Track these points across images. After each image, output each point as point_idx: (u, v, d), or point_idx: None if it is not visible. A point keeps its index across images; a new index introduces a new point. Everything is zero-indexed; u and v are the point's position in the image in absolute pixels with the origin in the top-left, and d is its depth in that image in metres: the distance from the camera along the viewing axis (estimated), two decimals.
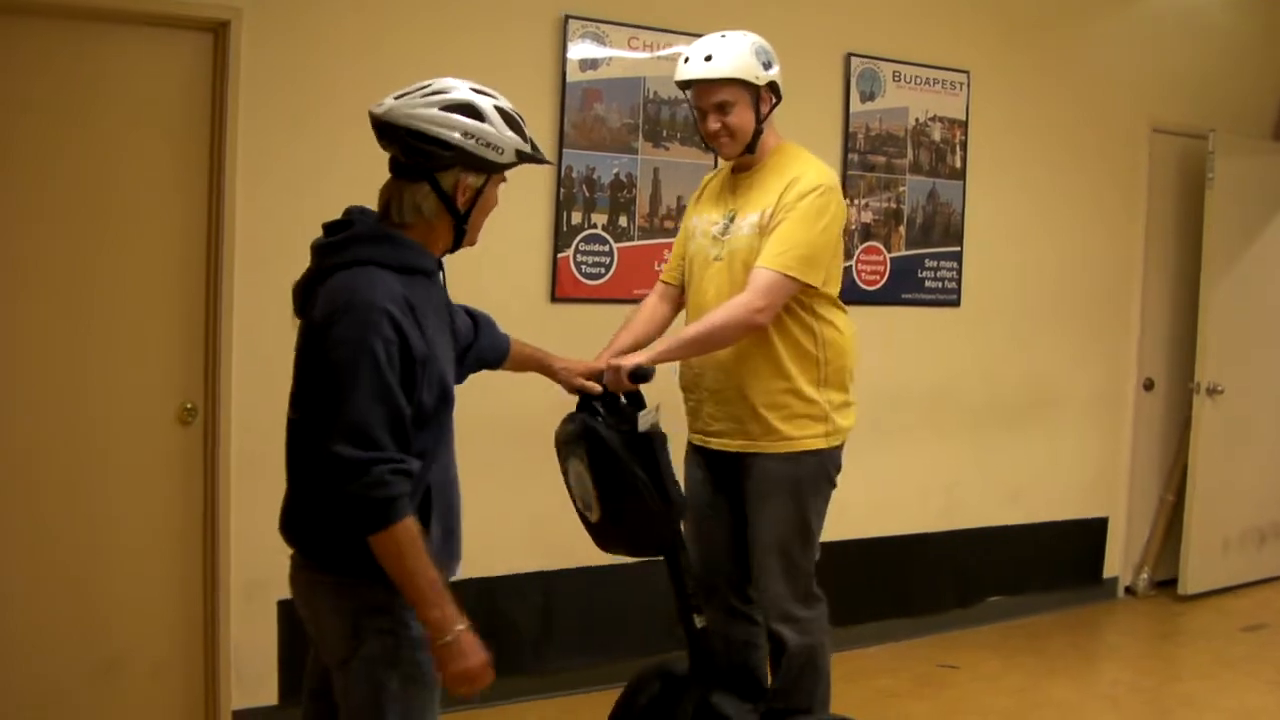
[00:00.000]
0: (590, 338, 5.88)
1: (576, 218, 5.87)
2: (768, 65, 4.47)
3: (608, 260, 5.95)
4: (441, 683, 3.16)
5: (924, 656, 6.90)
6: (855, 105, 6.71)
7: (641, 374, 4.23)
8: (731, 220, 4.54)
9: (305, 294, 3.20)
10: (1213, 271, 8.17)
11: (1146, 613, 8.18)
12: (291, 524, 3.29)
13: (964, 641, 7.24)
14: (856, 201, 6.75)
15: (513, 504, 5.80)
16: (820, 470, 4.62)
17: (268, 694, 5.34)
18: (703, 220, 4.65)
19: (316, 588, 3.26)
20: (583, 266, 5.89)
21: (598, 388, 4.24)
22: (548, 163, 3.52)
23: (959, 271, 7.21)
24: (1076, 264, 7.83)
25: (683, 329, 4.50)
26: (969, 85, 7.15)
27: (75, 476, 5.03)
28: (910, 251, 6.93)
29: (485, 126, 3.17)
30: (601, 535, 4.36)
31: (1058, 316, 7.77)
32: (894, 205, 6.91)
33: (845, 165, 6.69)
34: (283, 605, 5.32)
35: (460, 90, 3.18)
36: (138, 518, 5.15)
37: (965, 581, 7.49)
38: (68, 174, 4.95)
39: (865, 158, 6.77)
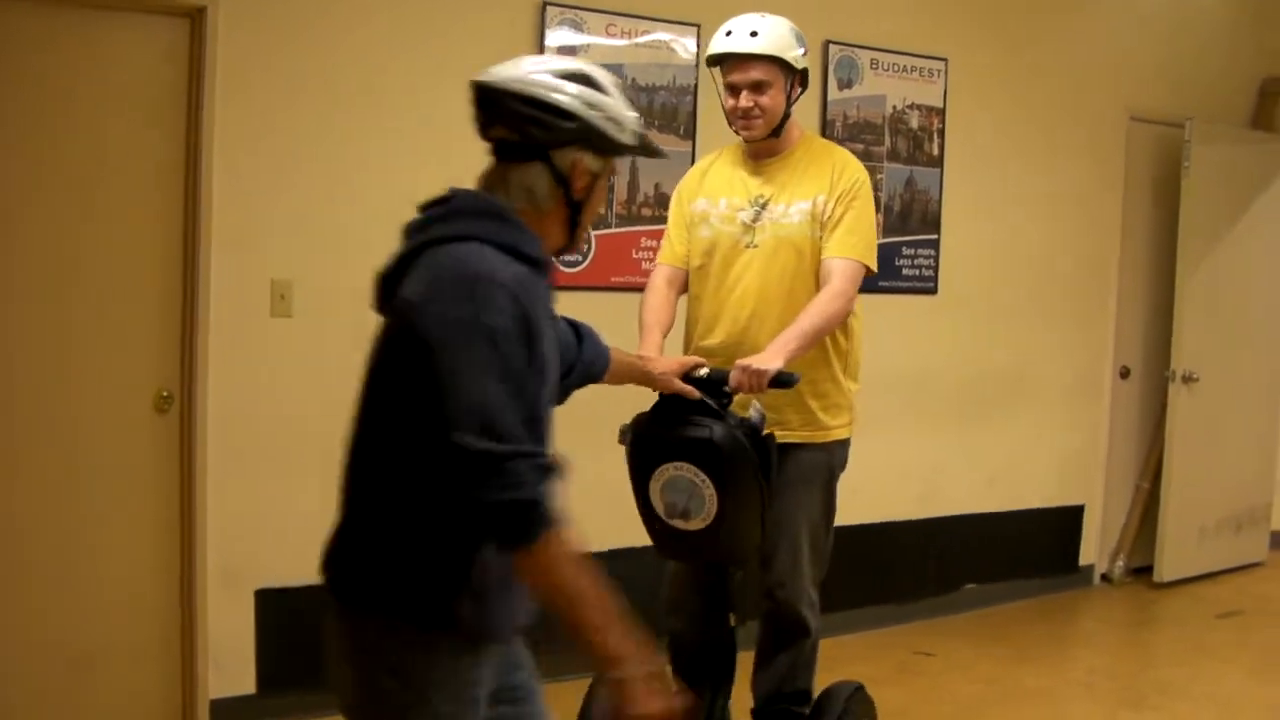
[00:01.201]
0: None
1: None
2: (804, 51, 4.47)
3: (585, 248, 5.93)
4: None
5: (900, 644, 6.91)
6: (833, 93, 6.71)
7: (787, 379, 4.05)
8: (763, 207, 4.50)
9: (391, 280, 2.71)
10: (1189, 259, 8.20)
11: (1122, 600, 8.21)
12: (340, 555, 2.82)
13: (940, 629, 7.26)
14: None
15: None
16: (844, 458, 4.69)
17: (245, 683, 5.33)
18: (718, 205, 4.56)
19: (343, 629, 2.81)
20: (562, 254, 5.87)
21: (697, 392, 4.00)
22: (662, 155, 3.02)
23: (936, 259, 7.21)
24: (1053, 252, 7.84)
25: (797, 324, 4.26)
26: (946, 73, 7.15)
27: (51, 464, 5.01)
28: (887, 239, 6.92)
29: (607, 99, 2.74)
30: (691, 545, 4.13)
31: (1034, 304, 7.78)
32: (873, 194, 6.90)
33: None
34: (260, 594, 5.31)
35: (565, 61, 2.80)
36: (114, 506, 5.12)
37: (942, 569, 7.51)
38: (42, 160, 4.92)
39: (843, 144, 6.74)
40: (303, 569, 5.37)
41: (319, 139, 5.30)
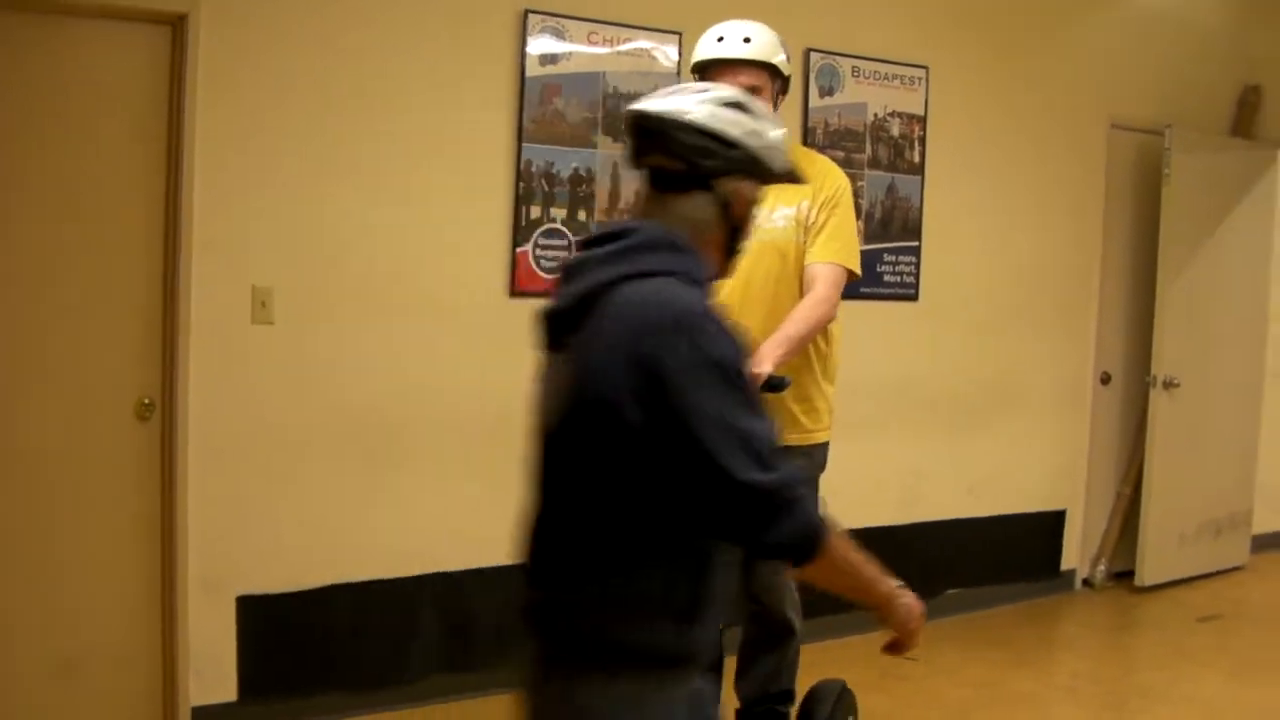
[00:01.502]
0: None
1: (535, 212, 5.86)
2: (787, 58, 4.51)
3: (566, 255, 5.94)
4: (904, 639, 2.99)
5: None
6: (814, 100, 6.72)
7: (778, 383, 4.11)
8: (771, 211, 4.55)
9: (570, 316, 2.60)
10: (1169, 266, 8.23)
11: (1104, 604, 8.23)
12: (560, 609, 2.69)
13: (925, 633, 7.21)
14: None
15: (472, 498, 5.79)
16: (824, 460, 4.75)
17: (227, 690, 5.33)
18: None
19: (578, 690, 2.65)
20: (541, 261, 5.87)
21: None
22: (802, 182, 3.06)
23: (917, 266, 7.23)
24: (1034, 259, 7.86)
25: (784, 329, 4.31)
26: (927, 80, 7.17)
27: (32, 471, 5.00)
28: (869, 246, 6.94)
29: (765, 126, 2.75)
30: None
31: (1016, 311, 7.80)
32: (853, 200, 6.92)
33: None
34: (241, 601, 5.31)
35: (722, 90, 2.78)
36: (95, 513, 5.12)
37: (925, 574, 7.49)
38: (24, 167, 4.92)
39: (824, 152, 6.76)
40: (284, 576, 5.43)
41: (300, 146, 5.30)
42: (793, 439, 4.54)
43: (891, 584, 2.82)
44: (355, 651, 5.60)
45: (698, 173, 2.67)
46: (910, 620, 2.88)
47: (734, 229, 2.74)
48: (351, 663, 5.60)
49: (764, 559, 2.67)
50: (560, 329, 2.63)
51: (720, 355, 2.44)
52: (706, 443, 2.39)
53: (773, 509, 2.43)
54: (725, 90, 2.77)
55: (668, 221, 2.66)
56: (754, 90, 4.36)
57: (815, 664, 6.51)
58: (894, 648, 3.01)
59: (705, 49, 4.45)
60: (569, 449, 2.56)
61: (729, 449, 2.39)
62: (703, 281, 2.61)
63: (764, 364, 4.09)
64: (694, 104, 2.68)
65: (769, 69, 4.42)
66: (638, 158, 2.76)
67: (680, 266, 2.58)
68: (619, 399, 2.44)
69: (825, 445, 4.74)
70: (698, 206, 2.68)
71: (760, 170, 2.73)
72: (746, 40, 4.39)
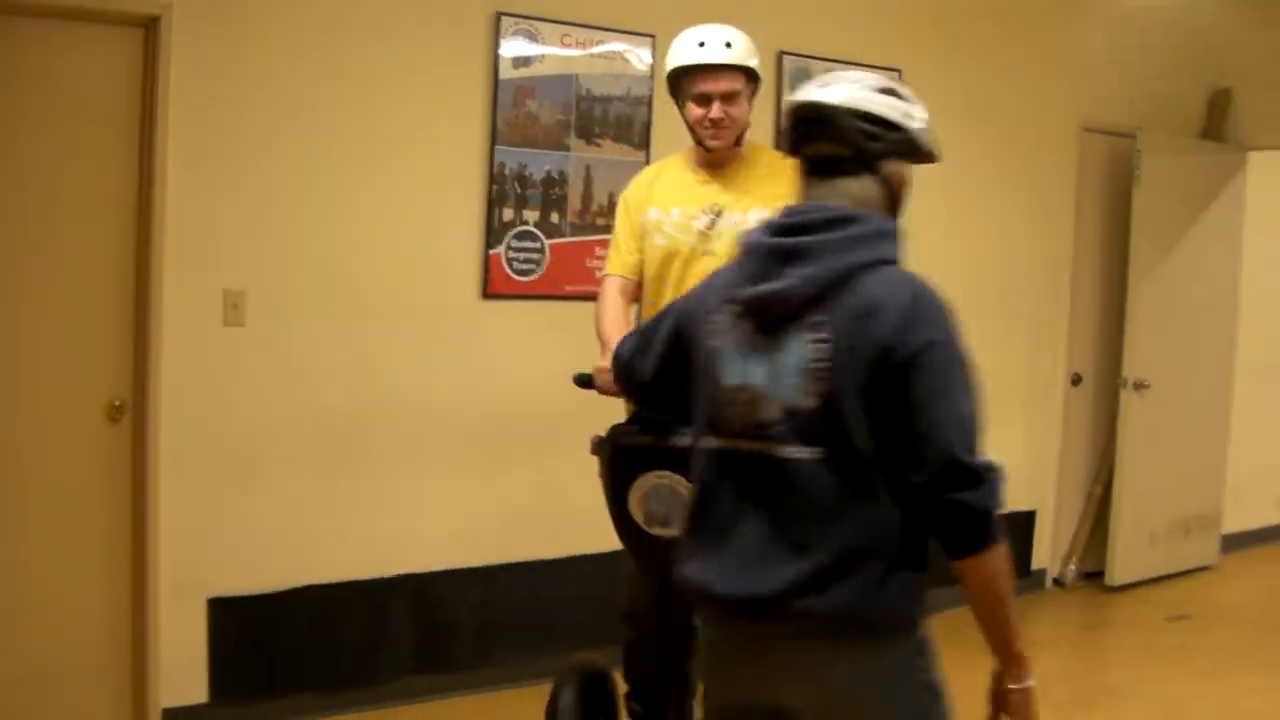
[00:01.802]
0: (522, 335, 5.91)
1: (508, 214, 5.87)
2: (759, 60, 4.53)
3: (539, 257, 5.95)
4: None
5: None
6: (787, 102, 6.73)
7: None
8: (719, 215, 4.53)
9: (809, 296, 2.73)
10: (1140, 268, 8.26)
11: (1074, 603, 8.27)
12: (811, 587, 2.69)
13: None
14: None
15: (443, 500, 5.81)
16: None
17: (198, 692, 5.32)
18: (670, 214, 4.58)
19: (870, 664, 2.76)
20: (514, 263, 5.88)
21: None
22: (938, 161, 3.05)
23: None
24: (1006, 260, 7.90)
25: None
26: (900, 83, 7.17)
27: (1, 472, 4.99)
28: None
29: (918, 110, 2.90)
30: (665, 552, 3.98)
31: (987, 312, 7.81)
32: None
33: None
34: (212, 603, 5.31)
35: (876, 77, 2.92)
36: (66, 515, 5.11)
37: None
38: None
39: None
40: (255, 577, 5.43)
41: (274, 149, 5.30)
42: None
43: (1027, 661, 2.85)
44: (327, 653, 5.60)
45: (863, 156, 2.82)
46: (1027, 708, 2.88)
47: (893, 207, 2.88)
48: (323, 664, 5.60)
49: (947, 536, 2.66)
50: (793, 307, 2.75)
51: (958, 342, 2.72)
52: (943, 421, 2.64)
53: (969, 485, 2.63)
54: (879, 78, 2.91)
55: (837, 203, 2.82)
56: (733, 94, 4.42)
57: None
58: None
59: (686, 54, 4.44)
60: (826, 422, 2.69)
61: (952, 428, 2.64)
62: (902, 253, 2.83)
63: None
64: (858, 91, 2.82)
65: (746, 72, 4.44)
66: (800, 145, 2.91)
67: (897, 254, 2.79)
68: (877, 374, 2.65)
69: None
70: (865, 188, 2.83)
71: (915, 151, 2.89)
72: (728, 45, 4.40)
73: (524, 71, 5.86)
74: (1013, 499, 7.86)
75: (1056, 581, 8.49)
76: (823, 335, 2.70)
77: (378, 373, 5.60)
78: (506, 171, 5.84)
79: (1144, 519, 8.47)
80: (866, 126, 2.80)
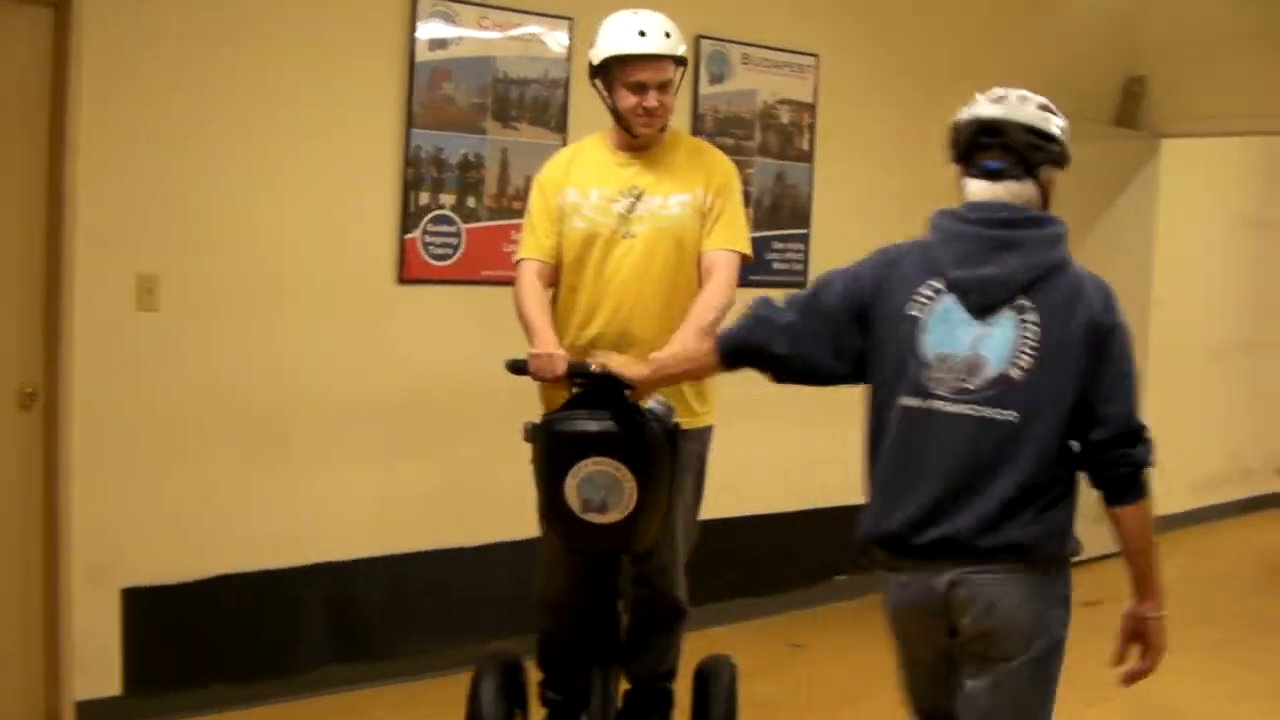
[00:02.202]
0: (439, 320, 5.88)
1: (424, 198, 5.82)
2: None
3: (456, 241, 5.91)
4: (1148, 657, 3.55)
5: (775, 636, 6.96)
6: (704, 88, 6.74)
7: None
8: (638, 198, 4.55)
9: (1019, 283, 3.33)
10: None
11: None
12: (996, 525, 3.26)
13: (813, 620, 7.31)
14: None
15: (360, 487, 5.76)
16: (709, 444, 4.78)
17: (111, 684, 5.25)
18: (589, 196, 4.57)
19: (1008, 585, 3.30)
20: (430, 247, 5.84)
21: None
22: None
23: (806, 253, 7.27)
24: None
25: (696, 317, 4.41)
26: (817, 68, 7.21)
27: None
28: (758, 233, 6.95)
29: (1065, 125, 3.51)
30: (604, 537, 4.23)
31: None
32: (742, 187, 6.93)
33: None
34: (127, 593, 5.24)
35: (1037, 97, 3.56)
36: None
37: (816, 560, 7.56)
38: None
39: (714, 140, 6.76)
40: (170, 567, 5.36)
41: (187, 132, 5.23)
42: (684, 423, 4.54)
43: (1163, 598, 3.44)
44: (243, 643, 5.55)
45: (1027, 164, 3.41)
46: (1159, 635, 3.48)
47: (1045, 206, 3.47)
48: (239, 654, 5.54)
49: (1112, 484, 3.30)
50: (1008, 291, 3.33)
51: (1127, 324, 3.33)
52: (1122, 388, 3.28)
53: (1139, 443, 3.29)
54: (1039, 97, 3.53)
55: (1023, 203, 3.42)
56: (667, 83, 4.47)
57: (703, 651, 6.55)
58: (1133, 677, 3.62)
59: (627, 42, 4.43)
60: (1027, 390, 3.27)
61: (1130, 397, 3.29)
62: None
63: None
64: (1027, 108, 3.46)
65: (679, 61, 4.49)
66: (973, 153, 3.53)
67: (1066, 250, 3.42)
68: (1081, 351, 3.26)
69: (710, 429, 4.78)
70: (1026, 191, 3.42)
71: (1063, 160, 3.48)
72: (667, 35, 4.44)
73: (441, 54, 5.82)
74: None
75: None
76: (1034, 318, 3.29)
77: (293, 358, 5.55)
78: (423, 155, 5.80)
79: None
80: (1033, 139, 3.41)
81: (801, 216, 7.23)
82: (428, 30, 5.78)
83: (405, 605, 5.98)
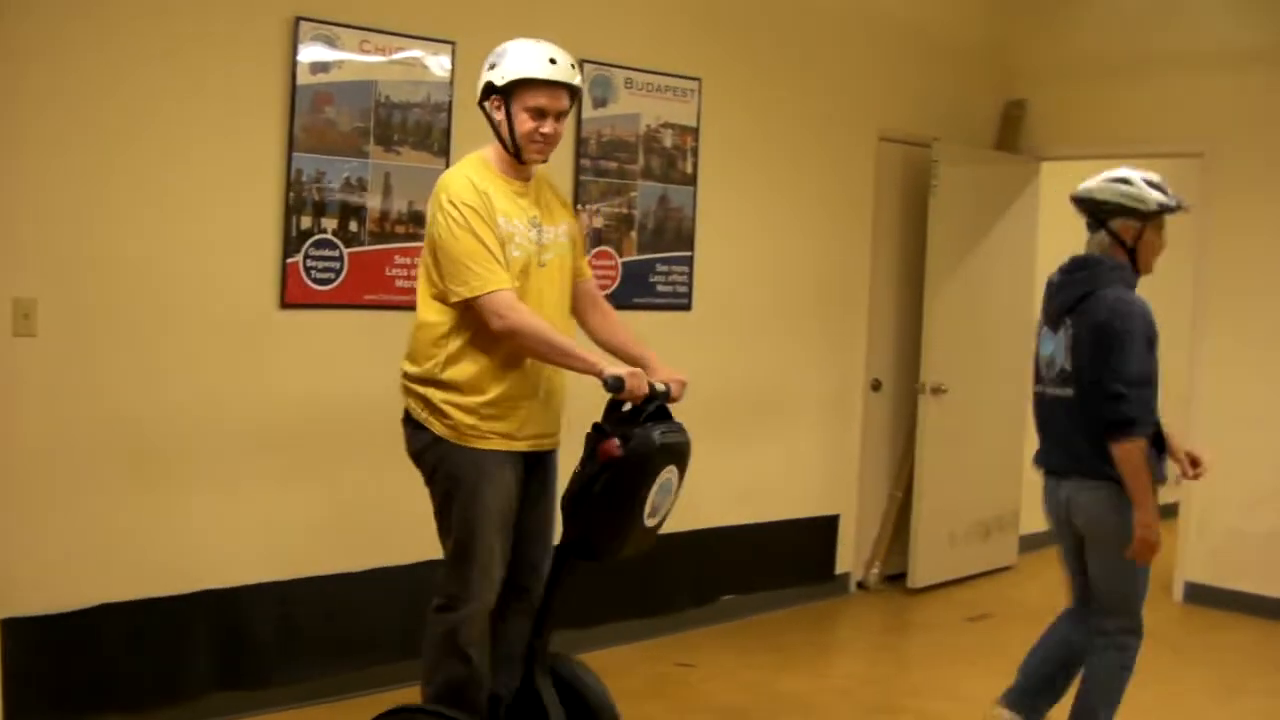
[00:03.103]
0: (321, 344, 5.85)
1: (306, 223, 5.78)
2: None
3: (338, 266, 5.87)
4: (1138, 555, 4.99)
5: (661, 656, 6.97)
6: (587, 111, 6.76)
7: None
8: (539, 228, 4.64)
9: (1070, 307, 5.14)
10: (936, 275, 8.45)
11: (877, 606, 8.41)
12: (1077, 457, 5.12)
13: (701, 640, 7.34)
14: (588, 207, 6.81)
15: (246, 513, 5.71)
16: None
17: None
18: (514, 225, 4.58)
19: (1096, 493, 5.06)
20: (313, 272, 5.80)
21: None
22: (1186, 209, 5.30)
23: (690, 276, 7.31)
24: (806, 268, 8.01)
25: (633, 337, 4.92)
26: (700, 92, 7.26)
27: None
28: (642, 256, 7.01)
29: (1131, 189, 5.08)
30: (649, 537, 4.67)
31: (788, 319, 7.93)
32: (625, 210, 6.98)
33: (577, 171, 6.75)
34: (7, 624, 5.12)
35: (1122, 170, 5.17)
36: None
37: (701, 581, 7.59)
38: None
39: (597, 163, 6.83)
40: (53, 597, 5.28)
41: (66, 155, 5.16)
42: (557, 441, 4.79)
43: (1154, 514, 4.94)
44: (128, 672, 5.46)
45: (1097, 219, 5.20)
46: (1149, 541, 4.95)
47: (1131, 247, 5.16)
48: (124, 684, 5.45)
49: (1106, 427, 4.96)
50: (1061, 312, 5.18)
51: (1119, 326, 4.96)
52: (1110, 368, 4.94)
53: (1121, 402, 4.91)
54: (1119, 170, 5.17)
55: (1090, 250, 5.22)
56: (564, 113, 4.60)
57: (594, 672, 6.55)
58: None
59: (538, 68, 4.51)
60: (1075, 374, 5.10)
61: (1114, 373, 4.93)
62: (1130, 276, 5.13)
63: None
64: (1094, 183, 5.18)
65: (574, 92, 4.64)
66: (1092, 220, 5.24)
67: (1116, 280, 5.08)
68: (1088, 347, 5.04)
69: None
70: (1101, 239, 5.19)
71: (1132, 213, 5.11)
72: (573, 67, 4.56)
73: (322, 77, 5.79)
74: (815, 504, 8.07)
75: (860, 585, 8.62)
76: (1073, 328, 5.11)
77: (176, 384, 5.49)
78: (304, 179, 5.76)
79: (944, 521, 8.65)
80: (1095, 206, 5.16)
81: (685, 239, 7.27)
82: (309, 54, 5.75)
83: (292, 632, 5.92)
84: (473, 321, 4.50)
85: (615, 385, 4.38)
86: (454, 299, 4.49)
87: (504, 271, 4.49)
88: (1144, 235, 5.13)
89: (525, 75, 4.50)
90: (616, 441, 4.40)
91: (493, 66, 4.56)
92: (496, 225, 4.51)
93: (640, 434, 4.44)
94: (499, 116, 4.57)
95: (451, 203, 4.49)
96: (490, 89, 4.56)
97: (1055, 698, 5.46)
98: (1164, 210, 5.10)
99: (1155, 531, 4.93)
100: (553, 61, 4.50)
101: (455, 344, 4.54)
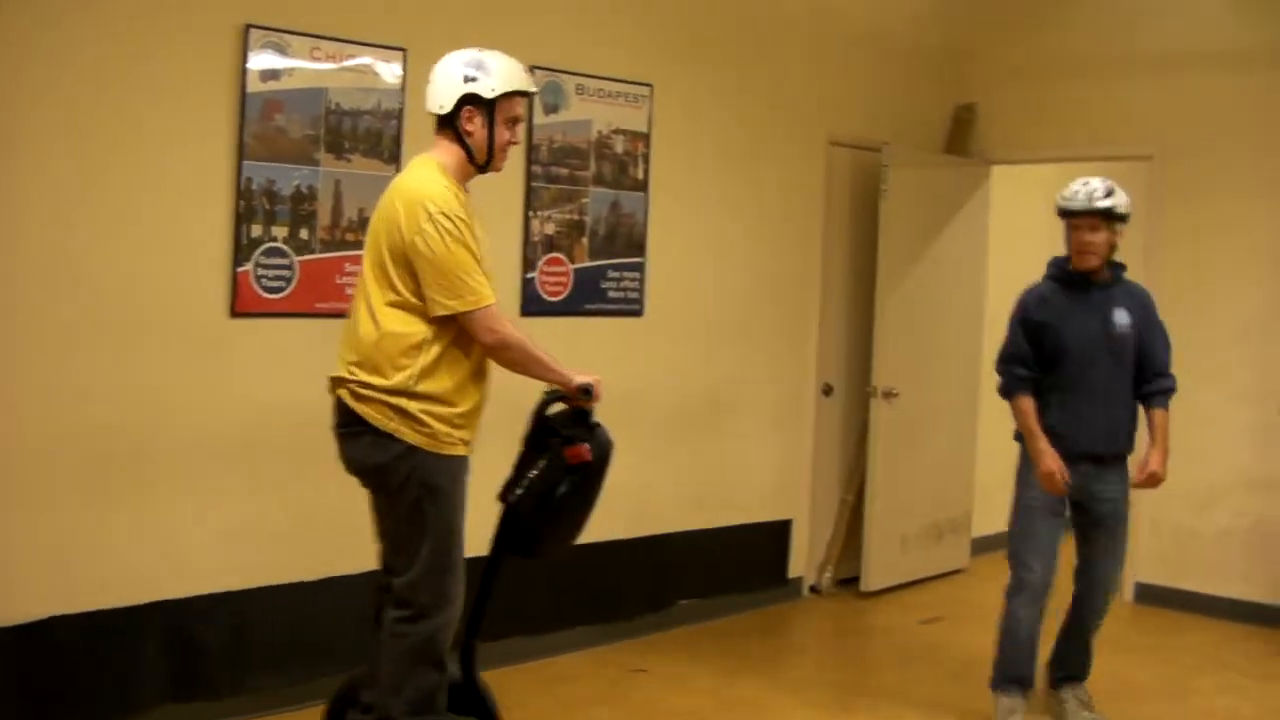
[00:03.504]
0: (273, 353, 5.82)
1: (257, 231, 5.75)
2: None
3: (289, 274, 5.85)
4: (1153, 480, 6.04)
5: (615, 661, 6.97)
6: (539, 118, 6.75)
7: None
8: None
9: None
10: (887, 279, 8.47)
11: (830, 610, 8.43)
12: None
13: (655, 645, 7.34)
14: (540, 213, 6.80)
15: (199, 523, 5.67)
16: None
17: None
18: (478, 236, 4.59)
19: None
20: (263, 280, 5.77)
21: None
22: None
23: (642, 281, 7.31)
24: (757, 273, 8.02)
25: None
26: (652, 98, 7.27)
27: None
28: (594, 262, 7.01)
29: (1115, 196, 5.98)
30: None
31: (739, 324, 7.94)
32: (577, 217, 6.98)
33: (529, 177, 6.75)
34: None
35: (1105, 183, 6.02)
36: None
37: (655, 586, 7.59)
38: None
39: (549, 170, 6.83)
40: (5, 609, 5.20)
41: (11, 163, 5.11)
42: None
43: (1045, 451, 5.98)
44: (80, 684, 5.41)
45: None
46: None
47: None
48: (76, 696, 5.41)
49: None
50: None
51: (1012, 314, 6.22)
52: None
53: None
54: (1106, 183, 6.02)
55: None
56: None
57: (549, 680, 6.56)
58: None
59: (525, 79, 4.69)
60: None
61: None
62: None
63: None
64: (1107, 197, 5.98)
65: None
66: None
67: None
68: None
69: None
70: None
71: (1125, 219, 6.01)
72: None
73: (273, 85, 5.77)
74: (767, 509, 8.08)
75: (813, 589, 8.64)
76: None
77: (126, 394, 5.45)
78: (255, 187, 5.73)
79: (896, 525, 8.68)
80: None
81: (637, 245, 7.27)
82: (259, 61, 5.72)
83: (247, 642, 5.88)
84: (449, 332, 4.49)
85: (589, 393, 4.59)
86: (439, 311, 4.44)
87: (489, 284, 4.50)
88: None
89: (520, 87, 4.58)
90: (587, 446, 4.63)
91: (471, 79, 4.53)
92: (475, 243, 4.50)
93: (600, 436, 4.71)
94: (471, 127, 4.55)
95: (443, 214, 4.42)
96: (472, 100, 4.54)
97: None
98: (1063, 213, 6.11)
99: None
100: (532, 70, 4.59)
101: (430, 355, 4.48)
